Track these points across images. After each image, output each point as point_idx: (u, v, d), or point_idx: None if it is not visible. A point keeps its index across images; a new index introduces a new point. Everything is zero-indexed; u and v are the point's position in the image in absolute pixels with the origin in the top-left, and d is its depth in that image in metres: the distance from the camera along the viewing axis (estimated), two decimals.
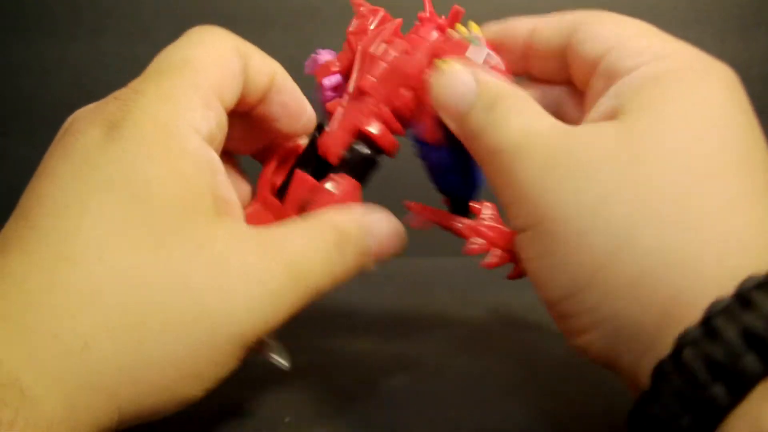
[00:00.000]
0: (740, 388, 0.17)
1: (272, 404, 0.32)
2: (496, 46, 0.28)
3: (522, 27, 0.27)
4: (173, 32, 0.28)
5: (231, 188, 0.24)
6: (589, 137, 0.22)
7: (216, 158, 0.23)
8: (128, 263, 0.20)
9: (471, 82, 0.24)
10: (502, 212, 0.27)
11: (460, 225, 0.28)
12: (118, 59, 0.61)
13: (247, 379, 0.34)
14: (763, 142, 0.21)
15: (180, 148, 0.22)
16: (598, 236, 0.20)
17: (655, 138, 0.21)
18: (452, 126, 0.25)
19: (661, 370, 0.18)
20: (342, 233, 0.25)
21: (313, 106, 0.29)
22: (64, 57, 0.61)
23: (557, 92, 0.28)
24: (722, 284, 0.18)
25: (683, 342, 0.18)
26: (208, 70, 0.24)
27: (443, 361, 0.36)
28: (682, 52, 0.23)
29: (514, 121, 0.23)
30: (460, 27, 0.28)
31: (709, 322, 0.18)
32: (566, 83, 0.27)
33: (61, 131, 0.23)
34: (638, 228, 0.19)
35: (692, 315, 0.18)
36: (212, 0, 0.60)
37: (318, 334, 0.34)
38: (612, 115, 0.22)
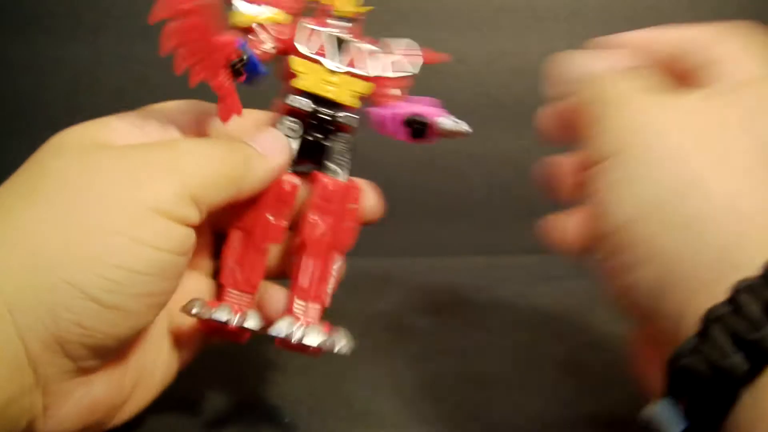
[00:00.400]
0: None
1: (272, 404, 0.32)
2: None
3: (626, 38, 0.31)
4: None
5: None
6: (679, 97, 0.24)
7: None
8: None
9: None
10: None
11: None
12: (117, 59, 0.61)
13: (246, 380, 0.34)
14: None
15: None
16: (675, 168, 0.21)
17: (736, 114, 0.22)
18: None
19: (714, 312, 0.18)
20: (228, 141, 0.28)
21: None
22: (63, 57, 0.61)
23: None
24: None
25: (740, 287, 0.18)
26: None
27: (445, 360, 0.36)
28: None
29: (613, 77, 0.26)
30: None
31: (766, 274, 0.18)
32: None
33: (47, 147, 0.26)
34: (713, 172, 0.21)
35: (750, 264, 0.19)
36: None
37: None
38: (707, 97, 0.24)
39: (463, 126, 0.28)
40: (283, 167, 0.28)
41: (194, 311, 0.26)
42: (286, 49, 0.29)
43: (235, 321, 0.27)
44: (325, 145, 0.29)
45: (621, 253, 0.21)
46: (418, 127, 0.29)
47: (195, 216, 0.24)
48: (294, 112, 0.29)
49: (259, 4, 0.29)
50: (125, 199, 0.23)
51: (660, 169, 0.21)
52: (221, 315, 0.26)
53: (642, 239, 0.21)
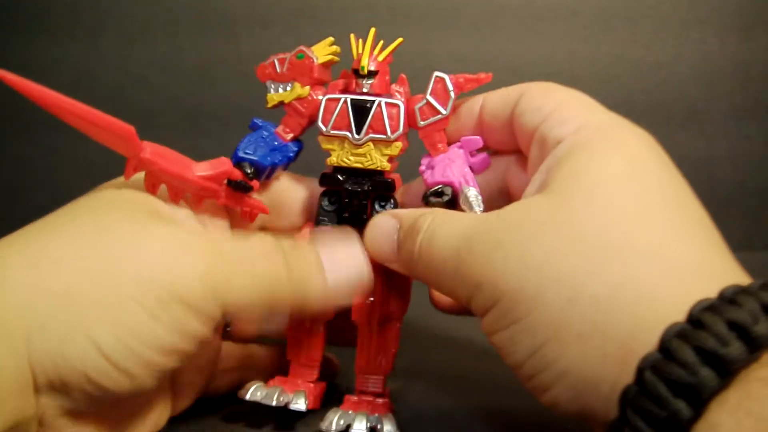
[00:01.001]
0: (699, 402, 0.18)
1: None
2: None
3: (475, 103, 0.30)
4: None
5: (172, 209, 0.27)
6: (523, 212, 0.24)
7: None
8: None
9: (390, 220, 0.28)
10: None
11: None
12: (117, 59, 0.61)
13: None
14: (686, 187, 0.23)
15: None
16: (550, 293, 0.21)
17: (583, 200, 0.23)
18: (396, 268, 0.28)
19: (626, 395, 0.19)
20: (284, 240, 0.27)
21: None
22: (63, 57, 0.61)
23: (505, 161, 0.30)
24: (674, 313, 0.19)
25: (644, 367, 0.19)
26: None
27: (444, 362, 0.36)
28: (599, 120, 0.25)
29: (443, 230, 0.25)
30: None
31: (666, 346, 0.19)
32: (517, 152, 0.29)
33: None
34: (586, 278, 0.21)
35: (649, 345, 0.19)
36: (211, 0, 0.60)
37: None
38: (541, 189, 0.24)
39: (476, 209, 0.27)
40: (352, 294, 0.28)
41: (248, 397, 0.28)
42: (314, 119, 0.30)
43: (280, 403, 0.28)
44: (367, 214, 0.29)
45: (534, 379, 0.22)
46: (438, 200, 0.28)
47: (217, 316, 0.24)
48: (332, 188, 0.30)
49: (287, 81, 0.30)
50: (157, 277, 0.23)
51: (539, 298, 0.22)
52: (269, 399, 0.28)
53: (547, 364, 0.21)
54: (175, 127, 0.61)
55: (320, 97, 0.30)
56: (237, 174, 0.29)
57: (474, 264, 0.23)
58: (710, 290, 0.19)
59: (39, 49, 0.61)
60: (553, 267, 0.22)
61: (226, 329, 0.31)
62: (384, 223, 0.28)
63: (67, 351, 0.22)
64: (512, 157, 0.30)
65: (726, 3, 0.60)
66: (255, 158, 0.29)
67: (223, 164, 0.28)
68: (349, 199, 0.30)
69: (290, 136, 0.31)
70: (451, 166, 0.29)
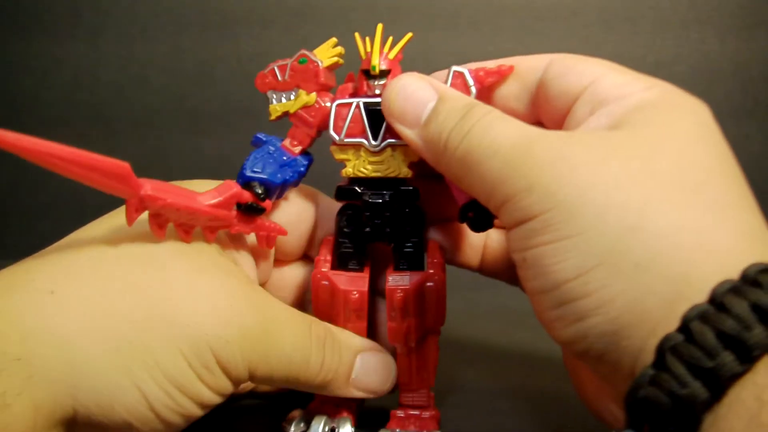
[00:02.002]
0: (749, 358, 0.17)
1: (272, 405, 0.32)
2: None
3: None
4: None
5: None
6: (596, 136, 0.23)
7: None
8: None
9: (428, 89, 0.25)
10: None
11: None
12: (117, 59, 0.61)
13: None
14: (731, 157, 0.23)
15: None
16: (614, 216, 0.21)
17: (658, 141, 0.22)
18: (407, 134, 0.26)
19: (669, 341, 0.19)
20: (330, 332, 0.27)
21: None
22: (63, 57, 0.61)
23: None
24: (730, 270, 0.19)
25: (692, 316, 0.18)
26: None
27: (444, 362, 0.36)
28: (662, 85, 0.25)
29: (502, 126, 0.24)
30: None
31: (719, 299, 0.18)
32: (529, 121, 0.28)
33: None
34: (652, 210, 0.21)
35: (701, 295, 0.19)
36: (211, 0, 0.60)
37: None
38: (614, 127, 0.24)
39: None
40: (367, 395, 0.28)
41: (293, 430, 0.27)
42: (323, 128, 0.28)
43: (326, 430, 0.27)
44: (393, 223, 0.28)
45: (571, 304, 0.21)
46: (474, 219, 0.27)
47: (243, 380, 0.24)
48: (350, 202, 0.28)
49: (290, 89, 0.28)
50: (202, 331, 0.23)
51: (602, 217, 0.21)
52: (314, 430, 0.27)
53: (592, 290, 0.20)
54: (175, 127, 0.61)
55: (329, 104, 0.28)
56: (247, 196, 0.26)
57: (532, 165, 0.22)
58: (766, 257, 0.19)
59: (39, 49, 0.61)
60: (621, 191, 0.21)
61: None
62: (418, 88, 0.26)
63: (115, 397, 0.21)
64: None
65: (726, 3, 0.60)
66: (264, 177, 0.27)
67: (230, 188, 0.26)
68: (371, 213, 0.27)
69: (298, 149, 0.28)
70: None
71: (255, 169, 0.27)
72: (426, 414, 0.28)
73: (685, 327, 0.18)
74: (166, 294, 0.23)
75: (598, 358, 0.21)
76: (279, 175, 0.27)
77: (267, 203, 0.27)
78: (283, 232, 0.28)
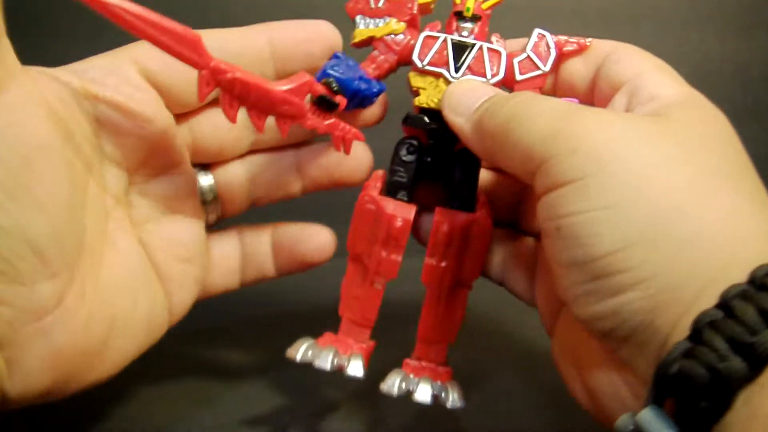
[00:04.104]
0: None
1: (272, 405, 0.32)
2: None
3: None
4: None
5: None
6: (641, 116, 0.24)
7: None
8: None
9: (488, 88, 0.26)
10: None
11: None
12: None
13: (247, 380, 0.34)
14: (752, 166, 0.24)
15: None
16: (657, 192, 0.20)
17: (699, 135, 0.23)
18: (457, 121, 0.26)
19: (707, 316, 0.18)
20: None
21: None
22: (63, 57, 0.61)
23: None
24: (766, 256, 0.19)
25: (732, 294, 0.18)
26: None
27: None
28: (692, 92, 0.26)
29: (548, 100, 0.24)
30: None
31: (758, 280, 0.19)
32: (586, 99, 0.29)
33: None
34: (695, 194, 0.21)
35: (738, 278, 0.19)
36: (211, 0, 0.60)
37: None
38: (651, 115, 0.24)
39: None
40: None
41: (299, 359, 0.26)
42: (404, 60, 0.28)
43: (335, 367, 0.27)
44: (451, 164, 0.28)
45: (607, 278, 0.21)
46: None
47: None
48: (414, 132, 0.28)
49: (380, 17, 0.28)
50: None
51: (645, 192, 0.21)
52: (323, 362, 0.26)
53: (632, 265, 0.20)
54: None
55: (419, 35, 0.28)
56: (320, 89, 0.26)
57: (578, 128, 0.22)
58: None
59: (39, 49, 0.61)
60: (665, 170, 0.21)
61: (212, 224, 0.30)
62: (478, 85, 0.27)
63: None
64: None
65: (726, 3, 0.60)
66: (342, 77, 0.27)
67: (303, 77, 0.26)
68: (434, 143, 0.28)
69: (376, 73, 0.28)
70: None
71: (336, 68, 0.27)
72: (441, 369, 0.28)
73: (724, 304, 0.18)
74: None
75: (625, 338, 0.21)
76: (356, 83, 0.27)
77: (341, 99, 0.27)
78: (361, 137, 0.28)
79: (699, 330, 0.18)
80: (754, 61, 0.60)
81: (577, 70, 0.28)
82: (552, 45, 0.28)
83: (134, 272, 0.27)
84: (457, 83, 0.27)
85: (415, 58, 0.28)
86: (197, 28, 0.31)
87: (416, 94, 0.28)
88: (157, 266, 0.28)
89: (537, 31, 0.28)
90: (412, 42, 0.28)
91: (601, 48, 0.28)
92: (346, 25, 0.29)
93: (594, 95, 0.28)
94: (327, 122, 0.26)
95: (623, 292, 0.20)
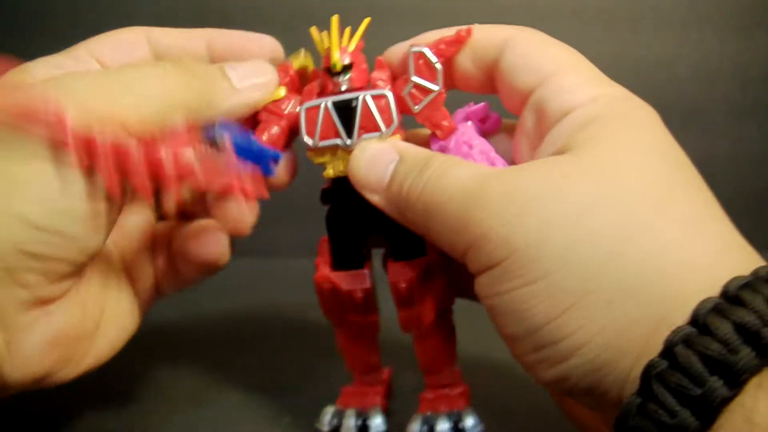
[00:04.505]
0: (737, 382, 0.17)
1: (272, 404, 0.32)
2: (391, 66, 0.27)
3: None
4: None
5: None
6: (549, 166, 0.22)
7: None
8: None
9: (389, 151, 0.25)
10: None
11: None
12: None
13: (247, 379, 0.34)
14: (690, 165, 0.22)
15: None
16: (586, 247, 0.20)
17: (615, 162, 0.21)
18: (374, 200, 0.25)
19: (652, 368, 0.18)
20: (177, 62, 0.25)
21: None
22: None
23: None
24: (708, 288, 0.18)
25: (675, 340, 0.18)
26: None
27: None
28: (608, 92, 0.23)
29: (455, 171, 0.23)
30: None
31: (702, 320, 0.18)
32: (487, 91, 0.27)
33: None
34: (623, 240, 0.20)
35: (684, 316, 0.18)
36: (210, 0, 0.60)
37: (315, 340, 0.34)
38: (561, 153, 0.22)
39: None
40: (260, 103, 0.26)
41: (326, 430, 0.28)
42: (294, 128, 0.27)
43: (358, 427, 0.28)
44: (384, 218, 0.26)
45: (550, 348, 0.20)
46: None
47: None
48: (337, 203, 0.27)
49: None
50: None
51: (568, 255, 0.20)
52: (348, 429, 0.28)
53: (570, 332, 0.19)
54: None
55: (298, 109, 0.27)
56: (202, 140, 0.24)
57: (485, 210, 0.21)
58: (744, 269, 0.19)
59: (39, 49, 0.61)
60: (586, 224, 0.20)
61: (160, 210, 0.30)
62: (380, 151, 0.25)
63: None
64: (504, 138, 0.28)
65: (726, 3, 0.60)
66: (237, 136, 0.25)
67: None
68: (359, 207, 0.26)
69: (270, 141, 0.27)
70: (471, 151, 0.25)
71: (226, 128, 0.25)
72: (455, 391, 0.28)
73: (668, 351, 0.18)
74: None
75: (584, 394, 0.20)
76: (252, 143, 0.26)
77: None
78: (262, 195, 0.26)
79: (648, 383, 0.18)
80: (754, 61, 0.60)
81: (467, 69, 0.26)
82: (434, 60, 0.26)
83: (114, 263, 0.28)
84: (357, 153, 0.25)
85: (305, 139, 0.26)
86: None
87: (323, 166, 0.27)
88: (125, 262, 0.29)
89: (412, 50, 0.26)
90: (297, 109, 0.27)
91: (487, 41, 0.26)
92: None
93: (501, 97, 0.26)
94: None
95: (566, 359, 0.20)
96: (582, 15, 0.59)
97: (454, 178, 0.22)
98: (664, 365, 0.18)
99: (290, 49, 0.29)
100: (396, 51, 0.27)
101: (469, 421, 0.27)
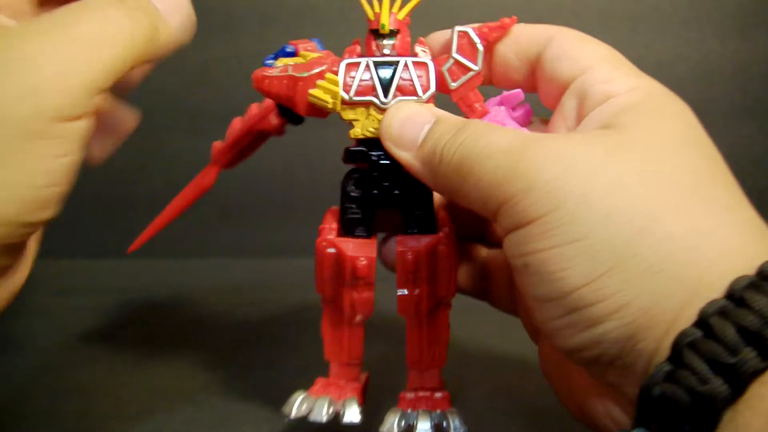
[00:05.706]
0: None
1: (272, 404, 0.32)
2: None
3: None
4: None
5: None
6: (593, 137, 0.22)
7: None
8: None
9: (426, 112, 0.25)
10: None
11: None
12: None
13: (247, 379, 0.34)
14: (722, 160, 0.23)
15: None
16: (621, 218, 0.20)
17: (656, 144, 0.22)
18: (404, 157, 0.25)
19: (686, 336, 0.18)
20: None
21: None
22: None
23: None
24: (744, 267, 0.19)
25: (710, 311, 0.18)
26: None
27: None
28: (647, 84, 0.24)
29: (494, 135, 0.23)
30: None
31: (737, 294, 0.18)
32: (523, 88, 0.28)
33: None
34: (659, 212, 0.20)
35: (717, 293, 0.19)
36: (211, 0, 0.60)
37: (315, 340, 0.34)
38: (603, 128, 0.23)
39: None
40: (183, 32, 0.27)
41: (293, 415, 0.26)
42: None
43: (330, 416, 0.26)
44: (402, 188, 0.26)
45: (582, 311, 0.20)
46: None
47: (92, 107, 0.22)
48: (358, 165, 0.27)
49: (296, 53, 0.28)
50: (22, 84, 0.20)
51: (607, 221, 0.20)
52: (318, 415, 0.26)
53: (605, 295, 0.20)
54: (175, 127, 0.61)
55: (338, 67, 0.26)
56: None
57: (530, 165, 0.21)
58: None
59: None
60: (627, 192, 0.20)
61: None
62: (417, 111, 0.25)
63: None
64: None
65: (726, 3, 0.60)
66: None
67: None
68: (379, 174, 0.27)
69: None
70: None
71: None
72: (438, 395, 0.27)
73: (703, 322, 0.18)
74: None
75: (609, 364, 0.20)
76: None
77: None
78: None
79: (679, 351, 0.18)
80: (754, 61, 0.60)
81: (509, 61, 0.27)
82: (477, 40, 0.27)
83: None
84: (393, 111, 0.25)
85: (341, 91, 0.26)
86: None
87: (351, 125, 0.27)
88: None
89: (457, 29, 0.27)
90: (336, 67, 0.27)
91: (531, 36, 0.27)
92: (346, 26, 0.29)
93: (539, 91, 0.27)
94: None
95: (600, 323, 0.20)
96: (582, 15, 0.60)
97: (494, 140, 0.22)
98: (698, 334, 0.18)
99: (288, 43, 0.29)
100: (438, 36, 0.28)
101: (455, 422, 0.26)
